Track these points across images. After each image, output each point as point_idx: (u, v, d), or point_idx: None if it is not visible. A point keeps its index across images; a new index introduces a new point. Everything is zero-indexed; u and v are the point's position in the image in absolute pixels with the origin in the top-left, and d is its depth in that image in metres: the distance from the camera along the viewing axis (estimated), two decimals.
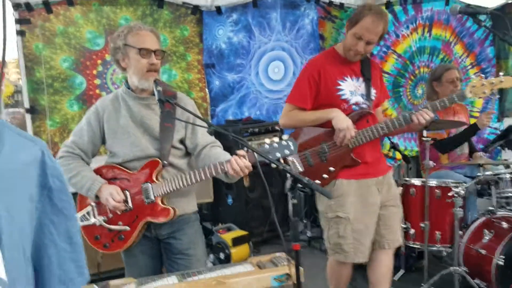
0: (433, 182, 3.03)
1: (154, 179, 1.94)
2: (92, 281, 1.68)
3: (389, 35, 4.78)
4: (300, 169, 2.24)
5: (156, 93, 1.87)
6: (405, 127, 2.35)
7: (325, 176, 2.31)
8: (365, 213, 2.34)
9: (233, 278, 1.80)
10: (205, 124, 2.02)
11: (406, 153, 4.47)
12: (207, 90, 4.28)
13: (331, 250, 2.42)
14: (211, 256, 3.72)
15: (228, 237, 3.63)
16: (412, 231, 3.09)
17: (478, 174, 3.02)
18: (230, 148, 3.86)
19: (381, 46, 4.79)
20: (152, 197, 1.93)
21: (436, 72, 3.51)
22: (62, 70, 3.51)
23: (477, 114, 4.96)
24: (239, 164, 1.80)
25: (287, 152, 1.75)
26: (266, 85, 4.48)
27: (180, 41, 4.02)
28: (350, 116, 2.29)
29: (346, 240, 2.33)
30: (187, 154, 2.09)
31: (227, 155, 1.93)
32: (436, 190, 3.00)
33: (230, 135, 1.77)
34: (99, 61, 3.65)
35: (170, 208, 1.94)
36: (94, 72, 3.65)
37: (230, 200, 4.20)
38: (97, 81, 3.66)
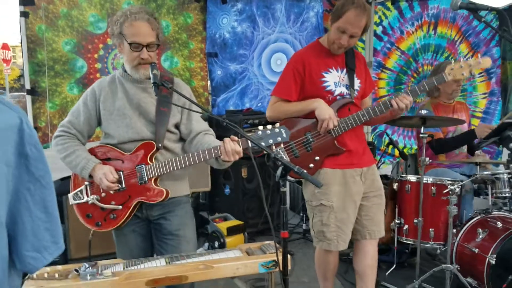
0: (428, 179, 3.03)
1: (148, 161, 1.97)
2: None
3: (393, 31, 4.75)
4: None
5: (151, 76, 1.89)
6: (388, 114, 2.39)
7: (311, 165, 2.34)
8: (348, 202, 2.39)
9: (221, 263, 1.82)
10: (200, 110, 2.05)
11: (405, 150, 4.48)
12: (208, 79, 4.28)
13: (316, 238, 2.47)
14: (206, 244, 3.74)
15: (223, 226, 3.65)
16: (405, 227, 3.10)
17: (475, 173, 3.01)
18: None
19: (384, 42, 4.77)
20: (146, 178, 1.96)
21: (440, 68, 3.46)
22: (63, 53, 3.52)
23: (479, 115, 4.93)
24: (231, 146, 1.83)
25: (279, 139, 1.79)
26: (268, 77, 4.48)
27: (183, 29, 4.02)
28: (332, 105, 2.35)
29: (329, 228, 2.38)
30: (181, 139, 2.12)
31: (219, 143, 1.95)
32: (431, 187, 3.00)
33: (224, 122, 1.79)
34: (100, 45, 3.66)
35: (163, 189, 1.97)
36: (96, 56, 3.65)
37: (227, 190, 4.21)
38: (98, 65, 3.67)
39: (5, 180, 0.77)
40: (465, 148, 3.52)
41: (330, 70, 2.39)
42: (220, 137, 2.03)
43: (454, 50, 4.88)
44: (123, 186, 1.98)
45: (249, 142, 1.83)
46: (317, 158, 2.36)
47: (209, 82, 4.34)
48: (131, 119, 1.99)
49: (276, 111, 2.43)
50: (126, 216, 1.99)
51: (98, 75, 3.68)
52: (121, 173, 1.99)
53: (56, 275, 1.70)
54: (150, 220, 2.08)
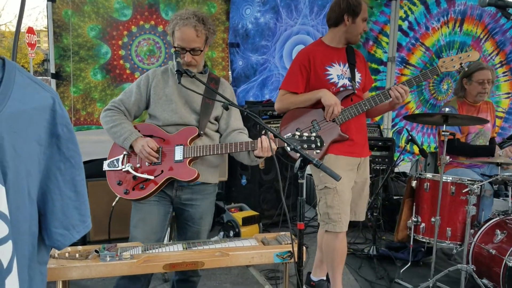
0: (448, 178, 2.99)
1: (188, 143, 2.09)
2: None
3: (419, 27, 4.68)
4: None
5: (175, 64, 1.98)
6: (387, 105, 2.63)
7: (317, 151, 2.44)
8: (348, 187, 2.59)
9: (236, 251, 1.84)
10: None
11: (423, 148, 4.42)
12: (229, 69, 4.29)
13: (322, 222, 2.61)
14: (221, 233, 3.77)
15: (239, 216, 3.68)
16: (422, 225, 3.07)
17: (496, 173, 2.96)
18: (249, 130, 3.91)
19: (410, 38, 4.70)
20: (182, 157, 2.07)
21: (469, 69, 3.41)
22: (88, 39, 3.57)
23: (502, 115, 4.84)
24: (267, 143, 1.98)
25: (313, 146, 1.97)
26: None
27: None
28: (336, 95, 2.54)
29: (333, 209, 2.54)
30: (218, 131, 2.26)
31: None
32: (450, 186, 2.97)
33: (245, 112, 1.88)
34: (125, 32, 3.70)
35: (195, 170, 2.06)
36: (120, 42, 3.69)
37: (244, 181, 4.24)
38: (122, 52, 3.71)
39: (37, 158, 0.80)
40: None
41: (333, 64, 2.58)
42: (251, 135, 2.12)
43: (478, 48, 4.78)
44: (159, 160, 2.08)
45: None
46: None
47: (230, 73, 4.35)
48: (177, 105, 2.14)
49: (285, 103, 2.61)
50: (154, 189, 2.06)
51: (121, 61, 3.73)
52: (160, 148, 2.10)
53: (77, 255, 1.75)
54: (177, 201, 2.16)
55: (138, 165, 2.10)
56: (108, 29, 3.62)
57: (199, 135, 2.11)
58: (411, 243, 3.23)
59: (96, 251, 1.77)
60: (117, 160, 2.12)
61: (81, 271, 1.69)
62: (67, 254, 1.75)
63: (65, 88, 3.55)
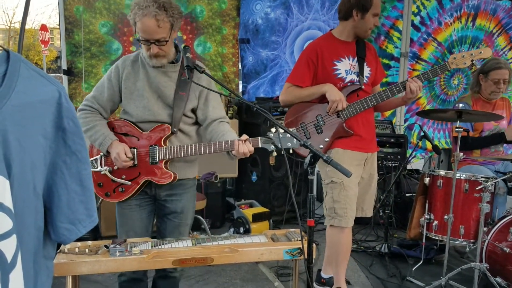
0: (462, 175, 2.94)
1: (162, 143, 2.02)
2: None
3: (431, 21, 4.61)
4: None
5: (185, 59, 1.94)
6: (400, 99, 2.60)
7: (321, 146, 2.43)
8: (355, 182, 2.58)
9: (246, 247, 1.83)
10: (218, 95, 2.15)
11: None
12: (240, 65, 4.27)
13: (328, 217, 2.60)
14: (231, 229, 3.77)
15: (249, 212, 3.67)
16: (435, 222, 3.03)
17: (510, 170, 2.90)
18: (258, 126, 3.91)
19: (422, 33, 4.64)
20: (157, 160, 2.02)
21: (486, 65, 3.34)
22: (100, 35, 3.58)
23: None
24: (243, 149, 1.91)
25: (289, 144, 1.88)
26: None
27: (217, 14, 4.02)
28: (342, 91, 2.52)
29: (340, 204, 2.53)
30: (197, 122, 2.16)
31: (233, 134, 2.03)
32: (464, 183, 2.92)
33: (254, 107, 1.82)
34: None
35: (172, 173, 2.02)
36: (131, 38, 3.70)
37: (254, 177, 4.23)
38: (133, 48, 3.73)
39: (43, 152, 0.79)
40: (501, 147, 3.40)
41: (342, 59, 2.56)
42: (249, 124, 2.07)
43: (490, 42, 4.70)
44: (135, 162, 2.04)
45: (259, 140, 1.95)
46: (327, 139, 2.51)
47: (240, 69, 4.33)
48: (149, 101, 2.03)
49: (290, 96, 2.60)
50: (134, 191, 2.04)
51: None
52: (135, 150, 2.05)
53: (87, 250, 1.75)
54: (157, 198, 2.13)
55: (115, 167, 2.05)
56: (119, 25, 3.63)
57: (172, 133, 2.03)
58: (424, 240, 3.18)
59: (105, 246, 1.77)
60: (95, 160, 2.07)
61: (91, 266, 1.70)
62: (76, 249, 1.76)
63: (77, 84, 3.58)
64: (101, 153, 2.07)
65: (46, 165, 0.80)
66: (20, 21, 0.96)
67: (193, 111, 2.10)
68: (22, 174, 0.74)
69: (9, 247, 0.72)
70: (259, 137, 1.94)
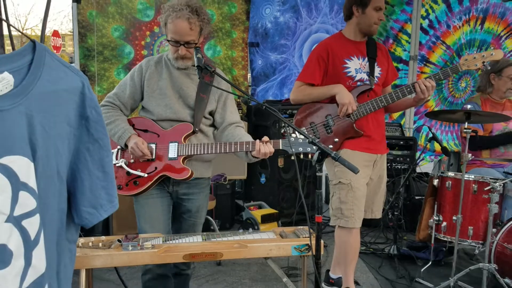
0: (470, 176, 2.95)
1: (183, 140, 2.07)
2: None
3: (440, 25, 4.63)
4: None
5: (195, 59, 1.96)
6: (411, 100, 2.59)
7: (330, 146, 2.45)
8: (363, 183, 2.57)
9: (255, 243, 1.86)
10: (235, 101, 2.23)
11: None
12: (249, 68, 4.32)
13: (334, 217, 2.61)
14: (240, 231, 3.79)
15: (258, 214, 3.70)
16: (444, 224, 3.03)
17: None
18: (268, 128, 3.95)
19: (430, 36, 4.66)
20: (176, 155, 2.06)
21: (498, 65, 3.36)
22: (112, 39, 3.66)
23: None
24: (265, 149, 1.96)
25: (308, 149, 1.90)
26: None
27: (227, 18, 4.08)
28: (352, 92, 2.52)
29: (347, 205, 2.53)
30: (213, 125, 2.23)
31: (249, 137, 2.08)
32: (473, 184, 2.92)
33: (263, 106, 1.86)
34: (147, 32, 3.78)
35: (189, 169, 2.06)
36: (143, 42, 3.78)
37: (263, 179, 4.26)
38: (144, 52, 3.80)
39: (67, 139, 0.84)
40: (511, 146, 3.40)
41: (352, 57, 2.57)
42: (259, 125, 2.11)
43: (498, 45, 4.71)
44: (153, 157, 2.08)
45: (280, 142, 1.98)
46: (336, 140, 2.52)
47: (249, 72, 4.39)
48: (171, 99, 2.10)
49: (300, 94, 2.61)
50: (148, 185, 2.07)
51: None
52: (154, 145, 2.09)
53: (100, 245, 1.80)
54: (175, 196, 2.17)
55: (132, 161, 2.09)
56: (131, 29, 3.71)
57: (194, 132, 2.09)
58: (433, 242, 3.19)
59: (118, 240, 1.82)
60: (112, 153, 2.13)
61: (104, 259, 1.74)
62: (90, 244, 1.81)
63: (90, 84, 3.65)
64: (118, 146, 2.12)
65: (70, 151, 0.85)
66: (42, 19, 1.01)
67: (211, 113, 2.18)
68: (46, 158, 0.79)
69: (33, 225, 0.77)
70: (280, 140, 1.98)
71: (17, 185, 0.74)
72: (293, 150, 1.90)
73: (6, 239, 0.73)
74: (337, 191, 2.58)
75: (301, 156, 1.94)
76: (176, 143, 2.06)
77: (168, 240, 1.89)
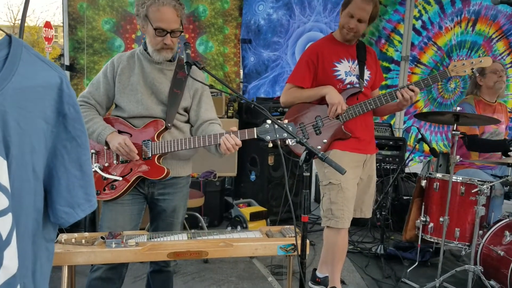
0: (458, 178, 2.96)
1: (156, 138, 2.02)
2: None
3: (432, 26, 4.64)
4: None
5: (185, 55, 1.93)
6: (395, 105, 2.58)
7: (319, 147, 2.45)
8: (353, 183, 2.58)
9: (240, 242, 1.85)
10: (211, 97, 2.16)
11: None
12: (241, 65, 4.30)
13: (324, 218, 2.61)
14: (229, 228, 3.79)
15: (246, 211, 3.69)
16: (430, 225, 3.05)
17: (507, 174, 2.92)
18: (258, 125, 3.93)
19: (423, 37, 4.67)
20: (150, 154, 2.01)
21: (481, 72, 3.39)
22: (102, 32, 3.61)
23: (509, 115, 4.79)
24: (230, 143, 1.90)
25: (285, 135, 1.85)
26: None
27: (220, 14, 4.05)
28: (342, 94, 2.53)
29: (337, 206, 2.54)
30: (189, 121, 2.17)
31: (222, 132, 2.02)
32: (460, 186, 2.93)
33: (252, 104, 1.83)
34: (139, 26, 3.73)
35: (164, 167, 2.01)
36: (133, 36, 3.74)
37: (253, 177, 4.25)
38: (135, 45, 3.76)
39: (44, 136, 0.81)
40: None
41: (342, 60, 2.57)
42: (249, 123, 2.07)
43: (489, 48, 4.74)
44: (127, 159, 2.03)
45: (254, 130, 1.93)
46: (325, 141, 2.54)
47: (241, 69, 4.36)
48: (142, 95, 2.03)
49: (290, 97, 2.62)
50: (125, 188, 2.02)
51: None
52: None
53: (83, 241, 1.78)
54: (150, 197, 2.12)
55: (106, 164, 2.04)
56: (122, 22, 3.66)
57: (166, 128, 2.02)
58: (419, 242, 3.21)
59: (102, 237, 1.79)
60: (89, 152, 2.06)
61: (87, 256, 1.72)
62: (73, 240, 1.78)
63: (79, 80, 3.60)
64: (92, 151, 2.06)
65: (47, 148, 0.82)
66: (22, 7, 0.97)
67: (186, 110, 2.12)
68: (21, 155, 0.77)
69: (4, 224, 0.75)
70: (255, 128, 1.92)
71: None
72: (269, 137, 1.87)
73: None
74: (327, 192, 2.57)
75: (278, 142, 1.86)
76: (149, 142, 2.01)
77: (152, 238, 1.87)
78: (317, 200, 4.97)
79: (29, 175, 0.80)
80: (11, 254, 0.76)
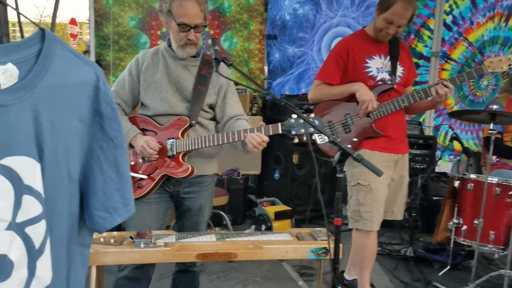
0: (493, 179, 2.84)
1: (180, 136, 1.98)
2: None
3: (463, 21, 4.49)
4: (326, 141, 2.38)
5: (213, 51, 1.88)
6: (429, 103, 2.48)
7: (348, 146, 2.36)
8: (383, 184, 2.47)
9: (270, 245, 1.80)
10: (236, 93, 2.10)
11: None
12: (266, 62, 4.24)
13: (351, 219, 2.53)
14: (253, 227, 3.75)
15: (271, 210, 3.64)
16: (464, 227, 2.94)
17: None
18: (281, 122, 3.87)
19: (453, 32, 4.52)
20: (174, 152, 1.97)
21: None
22: (128, 28, 3.61)
23: None
24: (256, 139, 1.84)
25: (311, 129, 1.76)
26: None
27: (245, 9, 4.00)
28: (373, 90, 2.43)
29: (365, 207, 2.44)
30: (215, 119, 2.13)
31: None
32: (495, 187, 2.81)
33: (282, 102, 1.76)
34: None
35: (189, 166, 1.97)
36: (158, 32, 3.72)
37: (277, 175, 4.19)
38: (160, 42, 3.74)
39: (79, 136, 0.76)
40: None
41: (374, 56, 2.48)
42: (273, 120, 2.01)
43: None
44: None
45: (279, 126, 1.86)
46: (354, 139, 2.45)
47: (265, 65, 4.30)
48: (167, 92, 2.00)
49: (319, 93, 2.55)
50: (151, 187, 1.99)
51: None
52: None
53: (112, 241, 1.75)
54: (176, 195, 2.09)
55: (132, 163, 2.02)
56: (147, 18, 3.65)
57: (190, 126, 1.99)
58: (451, 245, 3.10)
59: (131, 237, 1.77)
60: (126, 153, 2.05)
61: (116, 257, 1.69)
62: (102, 240, 1.76)
63: (105, 77, 3.60)
64: None
65: (82, 149, 0.77)
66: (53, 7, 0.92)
67: (211, 107, 2.08)
68: (55, 157, 0.72)
69: (37, 233, 0.70)
70: (279, 123, 1.86)
71: (20, 189, 0.67)
72: (294, 132, 1.81)
73: (6, 249, 0.66)
74: (355, 193, 2.49)
75: (304, 138, 1.83)
76: (174, 140, 1.98)
77: (181, 239, 1.83)
78: (344, 200, 4.87)
79: (64, 178, 0.75)
80: (45, 264, 0.71)
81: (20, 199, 0.67)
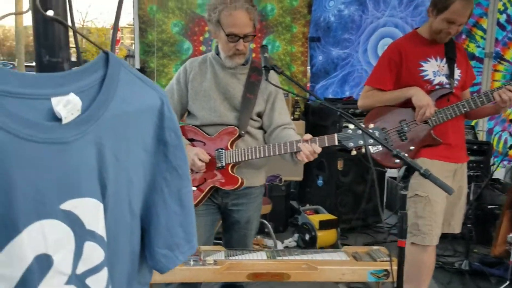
0: None
1: (229, 146, 1.94)
2: None
3: None
4: (379, 149, 2.27)
5: (262, 59, 1.83)
6: (492, 107, 2.32)
7: (405, 155, 2.22)
8: (443, 196, 2.31)
9: (325, 265, 1.70)
10: (284, 101, 2.06)
11: None
12: (308, 64, 4.14)
13: (409, 233, 2.36)
14: (296, 235, 3.65)
15: (315, 219, 3.52)
16: None
17: None
18: (326, 128, 3.75)
19: (507, 32, 4.27)
20: (223, 163, 1.93)
21: None
22: (172, 34, 3.60)
23: None
24: (308, 149, 1.77)
25: (371, 141, 1.68)
26: (373, 63, 4.19)
27: (288, 12, 3.91)
28: (430, 95, 2.29)
29: (424, 220, 2.30)
30: (262, 127, 2.07)
31: (297, 138, 1.90)
32: None
33: (338, 111, 1.67)
34: (206, 28, 3.69)
35: (238, 177, 1.93)
36: (201, 38, 3.69)
37: (320, 182, 4.07)
38: (203, 48, 3.71)
39: (142, 167, 0.69)
40: None
41: (429, 59, 2.35)
42: (316, 125, 1.92)
43: None
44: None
45: (335, 137, 1.79)
46: (411, 148, 2.28)
47: (308, 68, 4.20)
48: (215, 101, 1.96)
49: (370, 100, 2.42)
50: (200, 198, 1.95)
51: None
52: None
53: None
54: (223, 207, 2.04)
55: None
56: (190, 24, 3.63)
57: (240, 136, 1.94)
58: (511, 259, 2.89)
59: None
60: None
61: (164, 275, 1.63)
62: None
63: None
64: None
65: (146, 181, 0.70)
66: (114, 20, 0.83)
67: (259, 115, 2.03)
68: (117, 191, 0.65)
69: (99, 282, 0.63)
70: (335, 134, 1.79)
71: (82, 235, 0.60)
72: (352, 144, 1.73)
73: None
74: (412, 205, 2.34)
75: (363, 150, 1.76)
76: (223, 151, 1.93)
77: (230, 256, 1.76)
78: (388, 207, 4.70)
79: (125, 213, 0.68)
80: None
81: (81, 247, 0.60)
